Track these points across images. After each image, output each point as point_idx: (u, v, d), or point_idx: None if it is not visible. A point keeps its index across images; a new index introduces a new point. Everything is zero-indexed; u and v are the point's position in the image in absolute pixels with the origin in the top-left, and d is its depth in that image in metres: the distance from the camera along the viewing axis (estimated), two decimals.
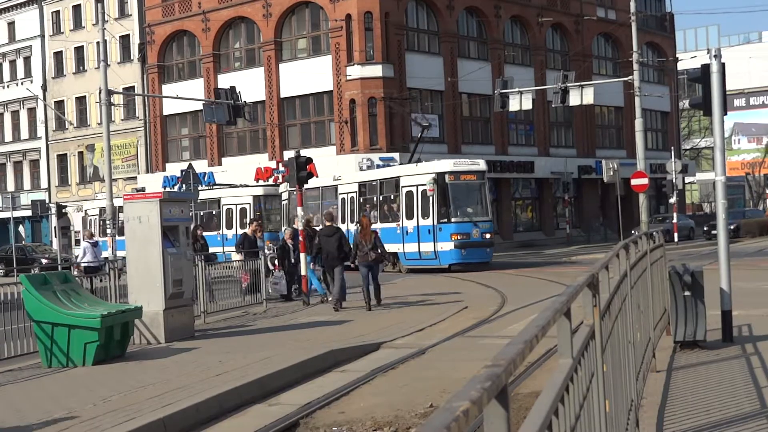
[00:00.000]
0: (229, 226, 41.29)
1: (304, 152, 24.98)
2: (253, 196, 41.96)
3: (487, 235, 31.12)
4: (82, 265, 23.57)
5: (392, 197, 33.54)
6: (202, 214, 41.82)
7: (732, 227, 45.88)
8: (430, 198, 30.78)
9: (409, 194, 31.81)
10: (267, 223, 39.05)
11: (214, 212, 42.73)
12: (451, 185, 30.77)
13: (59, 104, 60.54)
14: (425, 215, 31.00)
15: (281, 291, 22.55)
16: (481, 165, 32.09)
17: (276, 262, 23.01)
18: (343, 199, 35.48)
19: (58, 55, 61.36)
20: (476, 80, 47.41)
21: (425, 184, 30.75)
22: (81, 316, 13.07)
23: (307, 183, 22.86)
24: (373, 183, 34.50)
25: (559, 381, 3.12)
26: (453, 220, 30.47)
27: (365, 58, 45.09)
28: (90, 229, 36.63)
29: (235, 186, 43.72)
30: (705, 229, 47.99)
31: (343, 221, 32.91)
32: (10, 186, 63.51)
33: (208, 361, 13.07)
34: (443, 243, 30.29)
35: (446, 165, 31.58)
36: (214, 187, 45.79)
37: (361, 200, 34.72)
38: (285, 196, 38.34)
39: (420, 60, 47.24)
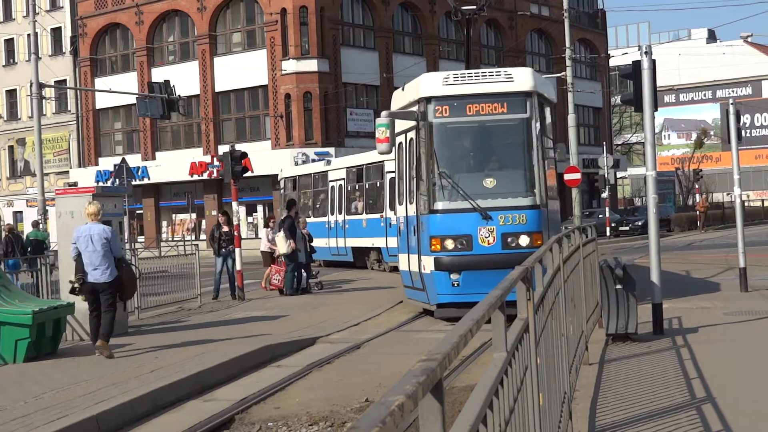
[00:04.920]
0: (334, 210, 31.23)
1: (239, 147, 24.89)
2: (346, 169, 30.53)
3: (523, 240, 15.08)
4: None
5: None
6: (313, 192, 33.35)
7: (640, 223, 46.51)
8: (402, 160, 16.95)
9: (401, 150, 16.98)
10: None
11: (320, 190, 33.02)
12: (438, 127, 15.50)
13: None
14: (411, 197, 16.31)
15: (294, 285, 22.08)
16: (517, 79, 15.67)
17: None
18: None
19: None
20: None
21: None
22: (11, 313, 12.86)
23: (241, 177, 22.59)
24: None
25: (494, 374, 3.15)
26: (437, 206, 15.34)
27: (300, 53, 44.95)
28: None
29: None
30: (613, 225, 48.12)
31: None
32: None
33: (142, 357, 12.95)
34: (426, 258, 15.54)
35: (433, 83, 15.79)
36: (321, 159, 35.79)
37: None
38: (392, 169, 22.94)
39: (355, 55, 47.24)
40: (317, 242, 28.71)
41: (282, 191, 36.35)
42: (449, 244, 15.14)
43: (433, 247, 15.21)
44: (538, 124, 15.68)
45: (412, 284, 16.83)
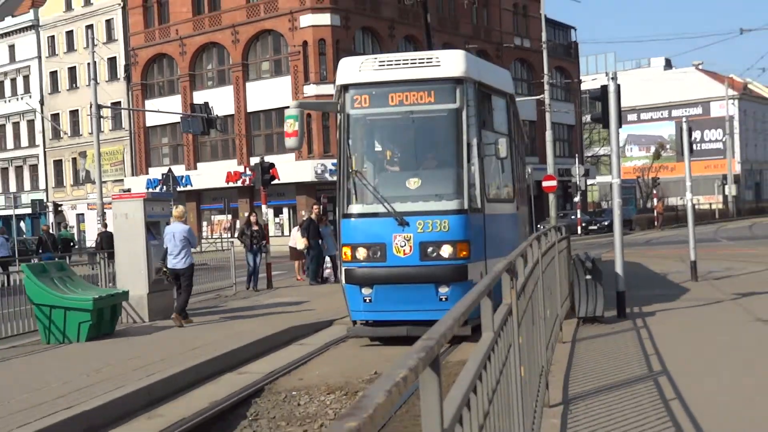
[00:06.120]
0: None
1: (268, 158, 24.83)
2: None
3: (445, 250, 11.16)
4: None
5: None
6: None
7: (607, 223, 46.36)
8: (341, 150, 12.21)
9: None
10: None
11: None
12: (355, 120, 11.95)
13: (55, 116, 59.47)
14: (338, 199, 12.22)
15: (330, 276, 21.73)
16: (445, 64, 11.68)
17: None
18: None
19: (54, 74, 60.27)
20: None
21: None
22: (76, 300, 12.92)
23: (269, 184, 22.54)
24: None
25: (483, 351, 3.17)
26: (350, 210, 11.66)
27: (319, 79, 44.97)
28: (1, 226, 35.53)
29: None
30: (583, 224, 48.04)
31: None
32: (12, 187, 62.20)
33: (186, 336, 12.98)
34: (342, 269, 11.91)
35: (350, 69, 11.98)
36: None
37: None
38: None
39: None
40: None
41: None
42: (361, 253, 11.37)
43: (344, 256, 11.60)
44: (473, 116, 11.63)
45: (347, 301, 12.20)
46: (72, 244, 26.36)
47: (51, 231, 29.78)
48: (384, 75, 11.71)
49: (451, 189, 11.45)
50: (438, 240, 11.13)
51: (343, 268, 11.64)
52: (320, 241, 21.47)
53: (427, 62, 11.68)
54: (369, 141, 12.38)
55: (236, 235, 23.97)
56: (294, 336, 13.26)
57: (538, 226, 39.18)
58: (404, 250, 11.18)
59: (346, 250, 11.48)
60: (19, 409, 8.25)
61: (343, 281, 11.65)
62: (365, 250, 11.35)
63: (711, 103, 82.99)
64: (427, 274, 11.10)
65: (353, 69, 11.90)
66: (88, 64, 38.14)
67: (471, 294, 3.40)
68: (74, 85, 59.09)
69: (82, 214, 58.18)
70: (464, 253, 11.13)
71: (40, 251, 24.82)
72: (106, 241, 23.13)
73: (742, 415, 6.61)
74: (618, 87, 13.00)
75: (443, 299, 11.02)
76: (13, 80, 63.19)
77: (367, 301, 11.43)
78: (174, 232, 14.06)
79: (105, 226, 27.64)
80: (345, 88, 11.86)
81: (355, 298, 11.52)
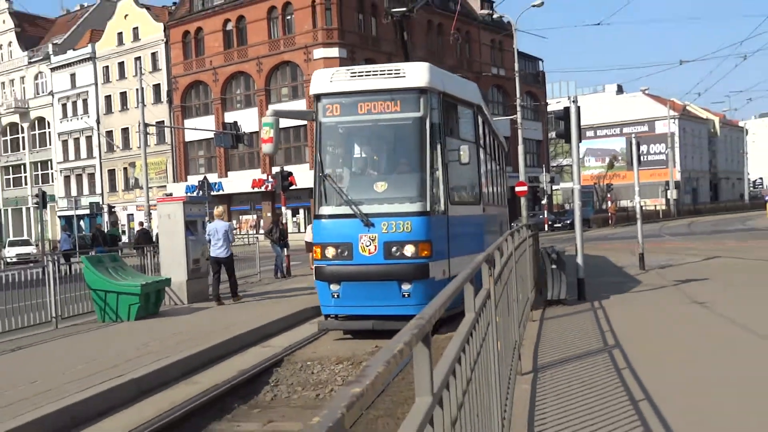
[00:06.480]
0: None
1: (287, 168, 24.84)
2: None
3: (408, 249, 10.04)
4: (62, 250, 23.41)
5: None
6: None
7: (569, 222, 46.42)
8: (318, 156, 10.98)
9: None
10: None
11: None
12: (326, 127, 10.88)
13: (109, 133, 59.48)
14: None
15: None
16: (410, 75, 10.46)
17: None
18: None
19: (108, 98, 60.25)
20: None
21: None
22: (127, 285, 12.93)
23: (288, 190, 22.52)
24: None
25: (466, 328, 3.17)
26: (320, 211, 10.61)
27: None
28: (64, 224, 35.39)
29: None
30: (550, 223, 48.11)
31: None
32: (74, 192, 62.22)
33: (219, 316, 12.99)
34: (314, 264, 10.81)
35: (322, 79, 10.85)
36: None
37: None
38: None
39: None
40: None
41: None
42: (329, 252, 10.33)
43: (315, 254, 10.59)
44: (437, 124, 10.46)
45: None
46: (118, 240, 26.43)
47: (102, 229, 29.87)
48: (353, 85, 10.61)
49: (415, 192, 10.30)
50: (401, 240, 10.06)
51: (314, 266, 10.71)
52: None
53: (395, 74, 10.53)
54: (339, 147, 11.24)
55: (264, 231, 24.11)
56: (309, 315, 13.26)
57: (512, 224, 39.11)
58: (369, 249, 10.13)
59: (317, 249, 10.51)
60: (79, 376, 8.25)
61: (314, 278, 10.75)
62: (334, 249, 10.31)
63: (656, 122, 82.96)
64: (391, 272, 10.05)
65: (325, 79, 10.77)
66: (137, 89, 38.12)
67: (455, 281, 3.38)
68: (125, 107, 59.07)
69: (132, 214, 58.16)
70: (426, 252, 10.09)
71: (93, 245, 24.98)
72: (143, 237, 23.17)
73: (680, 376, 6.61)
74: (578, 108, 13.02)
75: (406, 295, 10.09)
76: (74, 103, 63.16)
77: (336, 296, 10.43)
78: (217, 228, 14.56)
79: (141, 224, 27.72)
80: (317, 97, 10.80)
81: (325, 293, 10.53)
